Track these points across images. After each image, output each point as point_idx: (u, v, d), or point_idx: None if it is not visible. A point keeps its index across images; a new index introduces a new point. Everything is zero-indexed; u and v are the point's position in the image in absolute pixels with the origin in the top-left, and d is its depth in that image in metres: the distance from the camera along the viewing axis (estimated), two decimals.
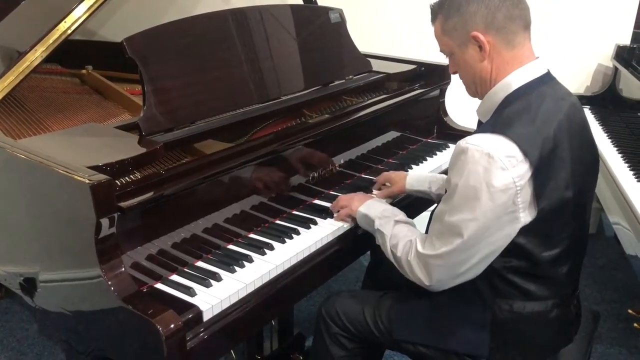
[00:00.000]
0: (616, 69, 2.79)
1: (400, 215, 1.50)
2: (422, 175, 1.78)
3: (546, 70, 1.34)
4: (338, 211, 1.63)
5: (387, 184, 1.81)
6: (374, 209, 1.53)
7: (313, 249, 1.52)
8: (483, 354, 1.36)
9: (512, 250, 1.27)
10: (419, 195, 1.77)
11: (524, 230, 1.24)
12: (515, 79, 1.29)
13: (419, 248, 1.32)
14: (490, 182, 1.18)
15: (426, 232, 1.43)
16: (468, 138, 1.23)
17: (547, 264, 1.29)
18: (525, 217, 1.23)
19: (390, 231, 1.43)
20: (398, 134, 2.09)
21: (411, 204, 1.81)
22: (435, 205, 1.49)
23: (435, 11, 1.36)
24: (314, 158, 1.73)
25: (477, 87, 1.36)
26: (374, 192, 1.81)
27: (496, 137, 1.20)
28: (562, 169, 1.24)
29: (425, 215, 1.83)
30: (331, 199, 1.74)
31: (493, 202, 1.19)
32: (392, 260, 1.41)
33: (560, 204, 1.25)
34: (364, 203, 1.56)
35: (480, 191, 1.19)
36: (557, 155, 1.23)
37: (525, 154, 1.19)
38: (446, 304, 1.38)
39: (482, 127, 1.29)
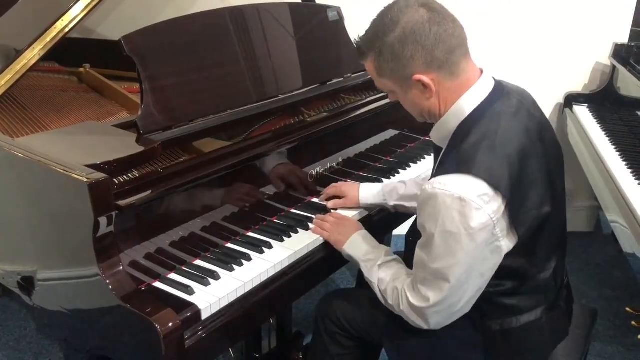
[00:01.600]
0: (614, 67, 2.79)
1: (383, 255, 1.43)
2: (376, 187, 1.71)
3: (494, 83, 1.28)
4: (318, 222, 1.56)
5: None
6: (358, 249, 1.46)
7: (311, 247, 1.52)
8: None
9: (502, 274, 1.25)
10: (375, 208, 1.71)
11: (509, 254, 1.22)
12: (466, 103, 1.24)
13: (411, 300, 1.28)
14: (468, 225, 1.14)
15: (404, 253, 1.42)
16: (434, 182, 1.18)
17: (530, 277, 1.28)
18: (507, 244, 1.21)
19: (376, 277, 1.39)
20: (396, 132, 2.09)
21: (385, 218, 1.75)
22: (412, 219, 1.46)
23: (364, 52, 1.26)
24: (312, 156, 1.73)
25: (426, 118, 1.32)
26: (327, 205, 1.69)
27: (463, 177, 1.16)
28: (534, 187, 1.22)
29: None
30: (329, 196, 1.74)
31: (474, 242, 1.16)
32: (385, 304, 1.38)
33: (539, 222, 1.23)
34: (349, 240, 1.48)
35: (460, 235, 1.16)
36: (526, 174, 1.20)
37: (496, 188, 1.15)
38: (438, 331, 1.34)
39: (445, 166, 1.22)
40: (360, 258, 1.44)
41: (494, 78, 1.30)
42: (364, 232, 1.52)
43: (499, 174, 1.16)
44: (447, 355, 1.37)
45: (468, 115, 1.24)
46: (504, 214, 1.17)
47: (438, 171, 1.23)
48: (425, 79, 1.21)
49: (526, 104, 1.30)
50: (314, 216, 1.62)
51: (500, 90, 1.29)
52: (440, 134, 1.32)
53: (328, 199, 1.72)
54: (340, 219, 1.59)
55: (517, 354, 1.35)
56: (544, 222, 1.24)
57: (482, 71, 1.29)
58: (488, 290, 1.27)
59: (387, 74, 1.26)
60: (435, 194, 1.16)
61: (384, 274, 1.39)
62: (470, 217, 1.14)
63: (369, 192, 1.69)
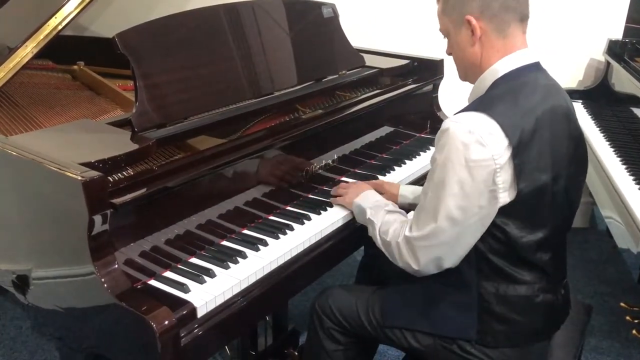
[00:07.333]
0: (608, 63, 2.80)
1: (392, 205, 1.52)
2: (415, 187, 1.75)
3: (536, 60, 1.35)
4: (335, 196, 1.68)
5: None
6: (367, 200, 1.56)
7: (307, 245, 1.52)
8: (471, 337, 1.37)
9: (493, 232, 1.28)
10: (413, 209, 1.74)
11: (503, 212, 1.26)
12: (502, 66, 1.31)
13: (406, 232, 1.34)
14: (469, 156, 1.20)
15: None
16: (452, 117, 1.27)
17: (528, 249, 1.31)
18: (504, 197, 1.24)
19: (380, 220, 1.45)
20: (391, 129, 2.09)
21: None
22: None
23: None
24: (307, 153, 1.73)
25: (467, 71, 1.39)
26: None
27: (478, 115, 1.23)
28: (542, 154, 1.26)
29: None
30: (325, 194, 1.74)
31: (472, 177, 1.21)
32: (382, 247, 1.43)
33: (538, 187, 1.26)
34: (360, 194, 1.58)
35: (460, 165, 1.21)
36: (536, 139, 1.25)
37: (506, 132, 1.21)
38: (434, 289, 1.39)
39: (467, 106, 1.31)
40: (369, 205, 1.52)
41: (538, 60, 1.36)
42: (374, 191, 1.63)
43: (513, 123, 1.23)
44: (440, 315, 1.40)
45: (501, 76, 1.31)
46: (509, 162, 1.22)
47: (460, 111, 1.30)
48: (474, 21, 1.29)
49: (561, 90, 1.38)
50: (309, 213, 1.62)
51: (540, 67, 1.37)
52: (475, 93, 1.38)
53: None
54: (355, 183, 1.72)
55: (507, 327, 1.36)
56: (543, 190, 1.27)
57: (527, 47, 1.35)
58: (485, 248, 1.31)
59: (449, 11, 1.35)
60: (449, 126, 1.24)
61: (388, 218, 1.45)
62: (473, 150, 1.20)
63: (409, 190, 1.74)
